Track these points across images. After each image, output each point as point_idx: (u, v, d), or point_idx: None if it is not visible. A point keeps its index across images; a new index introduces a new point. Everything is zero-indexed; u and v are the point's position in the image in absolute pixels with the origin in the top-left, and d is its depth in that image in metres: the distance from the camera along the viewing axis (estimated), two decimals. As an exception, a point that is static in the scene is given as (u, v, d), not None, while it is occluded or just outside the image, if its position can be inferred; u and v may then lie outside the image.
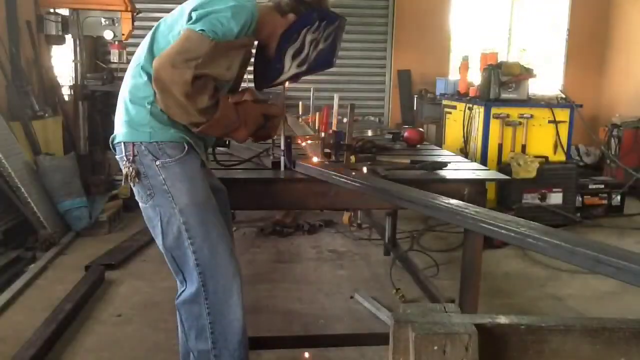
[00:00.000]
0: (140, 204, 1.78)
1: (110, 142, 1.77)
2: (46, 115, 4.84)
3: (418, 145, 3.04)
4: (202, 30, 1.55)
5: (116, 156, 1.76)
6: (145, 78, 1.67)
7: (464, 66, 5.41)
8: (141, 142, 1.67)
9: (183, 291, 1.80)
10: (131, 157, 1.68)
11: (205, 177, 1.79)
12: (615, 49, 7.13)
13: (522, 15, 7.20)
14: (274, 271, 3.64)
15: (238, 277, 1.80)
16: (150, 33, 1.73)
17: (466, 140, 4.84)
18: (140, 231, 4.31)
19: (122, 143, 1.70)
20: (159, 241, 1.77)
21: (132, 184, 1.72)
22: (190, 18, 1.60)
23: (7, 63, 4.52)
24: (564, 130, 4.71)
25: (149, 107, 1.66)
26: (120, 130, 1.72)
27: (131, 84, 1.70)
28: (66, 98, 5.36)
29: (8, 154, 3.93)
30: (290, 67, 1.83)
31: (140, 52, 1.73)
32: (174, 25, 1.67)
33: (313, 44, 1.82)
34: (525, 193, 4.54)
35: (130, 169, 1.69)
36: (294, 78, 1.88)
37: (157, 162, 1.68)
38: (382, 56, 7.06)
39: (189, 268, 1.75)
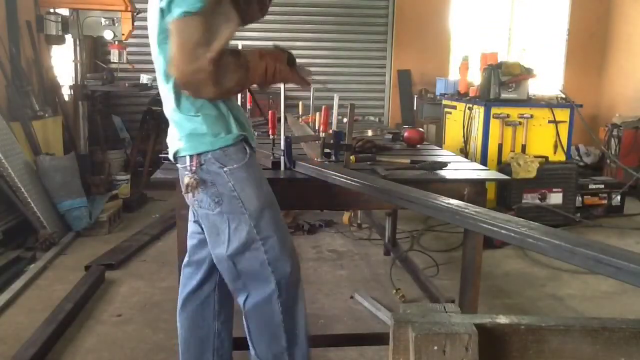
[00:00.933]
0: (202, 212, 1.73)
1: (172, 156, 1.74)
2: (46, 115, 4.84)
3: (418, 145, 3.05)
4: (182, 13, 1.46)
5: (178, 165, 1.74)
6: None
7: (464, 66, 5.41)
8: (206, 152, 1.65)
9: (247, 297, 1.77)
10: (194, 168, 1.66)
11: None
12: (615, 49, 7.14)
13: (522, 15, 7.20)
14: (274, 271, 3.63)
15: (299, 271, 1.83)
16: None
17: (466, 140, 4.84)
18: (140, 231, 4.32)
19: (187, 156, 1.67)
20: (221, 249, 1.73)
21: (192, 194, 1.69)
22: (162, 11, 1.52)
23: (7, 63, 4.52)
24: (564, 130, 4.71)
25: (200, 117, 1.64)
26: (181, 144, 1.68)
27: (173, 99, 1.65)
28: (66, 98, 5.36)
29: (8, 154, 3.93)
30: (255, 14, 1.77)
31: (158, 65, 1.68)
32: (155, 31, 1.60)
33: None
34: (525, 193, 4.54)
35: (192, 179, 1.66)
36: None
37: (225, 169, 1.66)
38: (382, 56, 7.06)
39: (258, 270, 1.73)
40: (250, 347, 1.81)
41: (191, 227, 1.94)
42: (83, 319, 2.87)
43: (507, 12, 7.18)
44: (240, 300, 1.80)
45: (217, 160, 1.65)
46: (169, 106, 1.69)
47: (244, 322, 1.81)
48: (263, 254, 1.72)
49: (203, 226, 1.79)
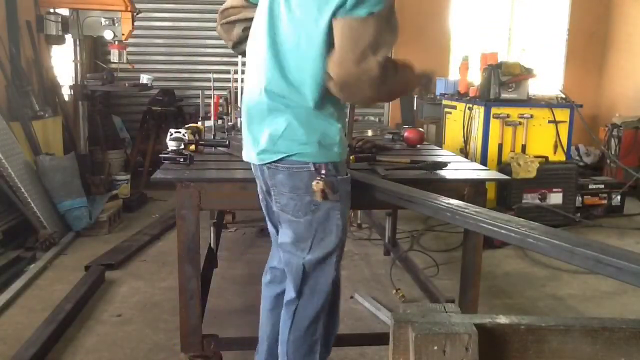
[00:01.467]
0: (286, 216, 1.69)
1: (276, 156, 1.63)
2: (46, 115, 4.84)
3: (418, 145, 3.05)
4: (366, 13, 1.45)
5: (277, 164, 1.64)
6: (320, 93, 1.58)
7: (464, 66, 5.41)
8: (330, 161, 1.63)
9: (298, 307, 1.74)
10: (324, 172, 1.61)
11: None
12: (615, 49, 7.13)
13: (522, 15, 7.20)
14: (274, 271, 3.63)
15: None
16: (269, 49, 1.59)
17: (466, 140, 4.84)
18: (140, 231, 4.32)
19: (310, 162, 1.61)
20: (299, 256, 1.70)
21: (321, 200, 1.62)
22: (338, 8, 1.46)
23: (7, 63, 4.52)
24: (564, 130, 4.71)
25: (337, 123, 1.62)
26: (305, 148, 1.60)
27: (316, 97, 1.57)
28: (66, 98, 5.36)
29: (8, 154, 3.93)
30: None
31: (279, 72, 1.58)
32: (310, 30, 1.51)
33: None
34: (525, 193, 4.54)
35: (327, 184, 1.61)
36: None
37: (338, 178, 1.65)
38: (382, 56, 7.05)
39: (321, 284, 1.72)
40: (284, 356, 1.80)
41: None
42: (83, 319, 2.87)
43: (507, 12, 7.18)
44: (290, 308, 1.77)
45: (335, 168, 1.64)
46: (301, 104, 1.59)
47: (287, 332, 1.78)
48: (334, 271, 1.71)
49: (280, 228, 1.76)
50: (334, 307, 1.79)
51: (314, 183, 1.60)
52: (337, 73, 1.47)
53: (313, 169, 1.61)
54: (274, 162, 1.64)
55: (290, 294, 1.77)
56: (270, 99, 1.62)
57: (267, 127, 1.64)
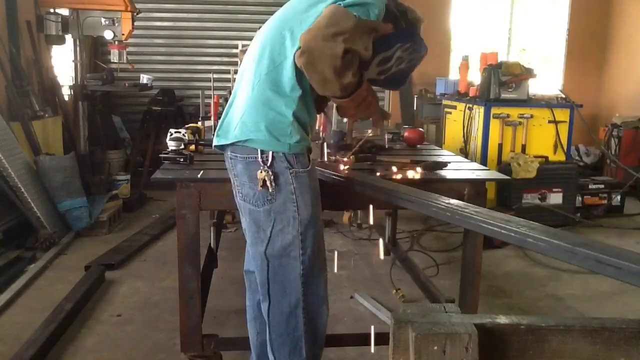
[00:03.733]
0: (247, 206, 1.72)
1: (229, 140, 1.68)
2: (46, 115, 4.84)
3: (418, 145, 3.05)
4: (353, 8, 1.55)
5: (236, 154, 1.69)
6: (286, 81, 1.63)
7: (464, 66, 5.41)
8: (280, 152, 1.65)
9: (270, 305, 1.76)
10: (269, 163, 1.64)
11: None
12: (615, 49, 7.14)
13: (522, 15, 7.21)
14: (274, 271, 3.62)
15: (326, 281, 1.83)
16: (265, 40, 1.68)
17: (466, 140, 4.84)
18: (140, 231, 4.32)
19: (258, 149, 1.65)
20: (260, 247, 1.73)
21: (267, 189, 1.66)
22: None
23: (7, 63, 4.52)
24: (564, 130, 4.71)
25: (291, 117, 1.63)
26: (256, 135, 1.64)
27: (267, 88, 1.63)
28: (66, 98, 5.36)
29: (8, 154, 3.93)
30: (371, 70, 1.79)
31: (264, 60, 1.65)
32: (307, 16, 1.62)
33: (398, 61, 1.82)
34: (525, 193, 4.54)
35: (269, 173, 1.64)
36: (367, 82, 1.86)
37: (291, 171, 1.66)
38: (382, 56, 7.04)
39: (289, 279, 1.72)
40: (270, 355, 1.80)
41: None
42: (83, 319, 2.87)
43: (507, 12, 7.19)
44: (264, 307, 1.78)
45: (286, 160, 1.65)
46: (260, 88, 1.64)
47: (268, 331, 1.79)
48: (299, 265, 1.70)
49: (243, 218, 1.78)
50: (314, 300, 1.76)
51: (258, 171, 1.65)
52: (304, 39, 1.53)
53: (258, 156, 1.64)
54: (229, 146, 1.70)
55: (261, 291, 1.78)
56: (244, 84, 1.70)
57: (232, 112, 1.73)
